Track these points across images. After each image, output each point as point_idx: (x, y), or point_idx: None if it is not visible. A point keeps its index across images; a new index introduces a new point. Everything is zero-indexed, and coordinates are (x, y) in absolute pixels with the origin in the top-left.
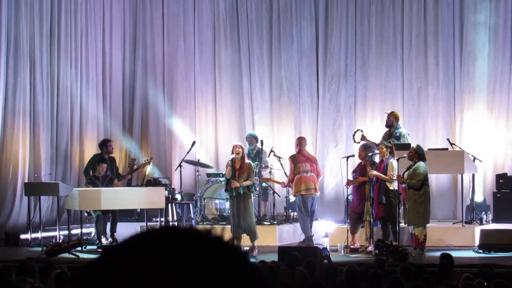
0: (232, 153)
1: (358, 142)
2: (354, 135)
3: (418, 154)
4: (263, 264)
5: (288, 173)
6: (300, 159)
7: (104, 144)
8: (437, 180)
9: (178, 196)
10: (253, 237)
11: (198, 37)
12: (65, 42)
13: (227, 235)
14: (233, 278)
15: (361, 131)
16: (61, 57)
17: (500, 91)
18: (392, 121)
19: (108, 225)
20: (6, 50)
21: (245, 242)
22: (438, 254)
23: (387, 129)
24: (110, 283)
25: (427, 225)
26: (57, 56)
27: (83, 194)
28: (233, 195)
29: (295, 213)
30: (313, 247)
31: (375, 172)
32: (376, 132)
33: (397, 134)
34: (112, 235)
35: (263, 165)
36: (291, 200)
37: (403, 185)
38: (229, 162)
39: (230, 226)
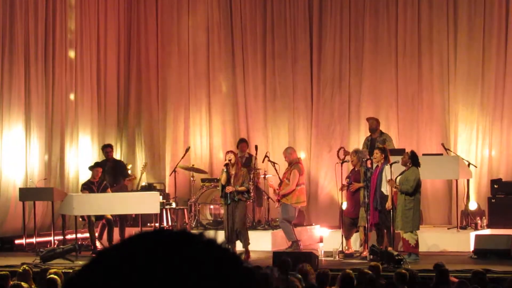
0: (225, 160)
1: (342, 159)
2: (338, 153)
3: (411, 159)
4: (258, 269)
5: (281, 179)
6: (303, 170)
7: (102, 150)
8: (432, 186)
9: (173, 204)
10: (244, 241)
11: (192, 42)
12: (60, 47)
13: (220, 238)
14: (226, 280)
15: (343, 148)
16: (56, 62)
17: (494, 96)
18: (376, 125)
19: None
20: (1, 54)
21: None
22: (432, 259)
23: (368, 135)
24: (103, 285)
25: (421, 230)
26: (52, 61)
27: (77, 199)
28: (228, 202)
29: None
30: (308, 252)
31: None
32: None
33: (382, 139)
34: (109, 244)
35: (256, 171)
36: None
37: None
38: (224, 168)
39: (224, 231)
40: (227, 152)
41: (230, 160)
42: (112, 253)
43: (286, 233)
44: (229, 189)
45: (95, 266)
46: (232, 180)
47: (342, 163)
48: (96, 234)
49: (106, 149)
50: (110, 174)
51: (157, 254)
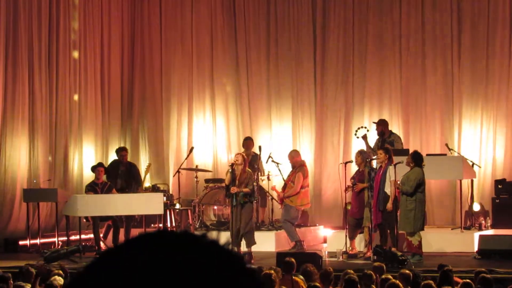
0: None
1: (358, 137)
2: (357, 131)
3: (413, 160)
4: (261, 270)
5: (286, 182)
6: (307, 173)
7: (116, 153)
8: (436, 186)
9: (177, 205)
10: (248, 242)
11: (195, 43)
12: (63, 47)
13: (223, 239)
14: (229, 281)
15: (366, 129)
16: (60, 62)
17: (498, 96)
18: (381, 129)
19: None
20: (5, 56)
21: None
22: (436, 260)
23: (378, 137)
24: (105, 286)
25: (425, 231)
26: (56, 62)
27: (81, 200)
28: (234, 204)
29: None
30: (311, 253)
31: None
32: (374, 138)
33: (390, 140)
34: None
35: (260, 172)
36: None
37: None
38: (229, 169)
39: (229, 232)
40: (237, 154)
41: (236, 161)
42: (114, 253)
43: (289, 233)
44: (234, 189)
45: (97, 267)
46: (237, 181)
47: (345, 164)
48: (101, 235)
49: (121, 152)
50: (122, 178)
51: (159, 255)
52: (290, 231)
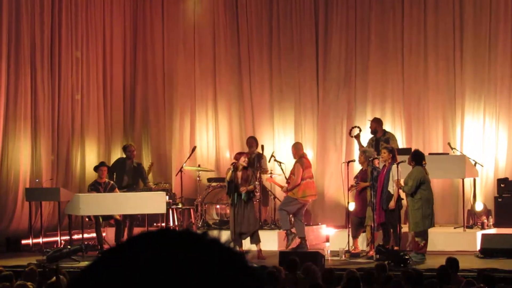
0: (238, 161)
1: (352, 136)
2: (351, 130)
3: (414, 159)
4: (264, 269)
5: (288, 176)
6: (307, 164)
7: (124, 149)
8: (438, 185)
9: (180, 205)
10: (256, 240)
11: (198, 43)
12: (66, 47)
13: (224, 237)
14: (230, 279)
15: (359, 129)
16: (62, 62)
17: (500, 95)
18: (374, 126)
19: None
20: (8, 56)
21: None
22: (439, 259)
23: (372, 135)
24: (106, 285)
25: (428, 230)
26: (58, 61)
27: (84, 199)
28: (235, 203)
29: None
30: (314, 252)
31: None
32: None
33: (385, 138)
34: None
35: (263, 170)
36: None
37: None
38: (231, 167)
39: (230, 231)
40: (243, 156)
41: (244, 163)
42: (116, 252)
43: (281, 221)
44: (243, 189)
45: (99, 266)
46: (240, 181)
47: (348, 163)
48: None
49: (129, 148)
50: (129, 175)
51: (161, 253)
52: (283, 219)
